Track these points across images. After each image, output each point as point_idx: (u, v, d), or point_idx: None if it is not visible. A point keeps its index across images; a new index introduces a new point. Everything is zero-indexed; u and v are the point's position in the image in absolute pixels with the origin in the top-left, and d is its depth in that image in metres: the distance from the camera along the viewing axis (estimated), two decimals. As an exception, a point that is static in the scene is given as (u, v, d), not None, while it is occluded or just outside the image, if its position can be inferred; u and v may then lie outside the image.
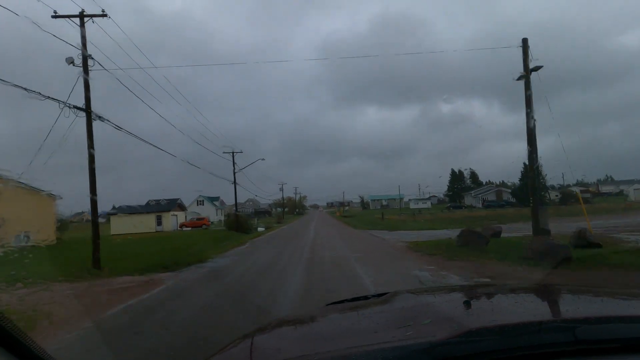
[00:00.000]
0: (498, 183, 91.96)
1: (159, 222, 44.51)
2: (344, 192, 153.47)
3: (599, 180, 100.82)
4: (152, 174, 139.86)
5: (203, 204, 69.53)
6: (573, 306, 1.62)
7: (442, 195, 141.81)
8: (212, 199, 72.96)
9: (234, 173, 36.89)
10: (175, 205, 48.82)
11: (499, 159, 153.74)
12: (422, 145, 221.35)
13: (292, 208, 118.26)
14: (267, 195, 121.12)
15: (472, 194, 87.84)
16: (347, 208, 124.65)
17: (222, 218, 74.07)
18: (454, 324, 1.26)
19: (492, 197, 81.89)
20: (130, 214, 43.00)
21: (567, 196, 67.90)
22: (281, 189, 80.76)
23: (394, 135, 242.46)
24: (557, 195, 71.53)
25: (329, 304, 2.23)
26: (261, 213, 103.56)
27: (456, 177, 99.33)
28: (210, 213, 68.43)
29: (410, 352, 1.10)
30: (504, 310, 1.63)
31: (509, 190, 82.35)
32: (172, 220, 46.14)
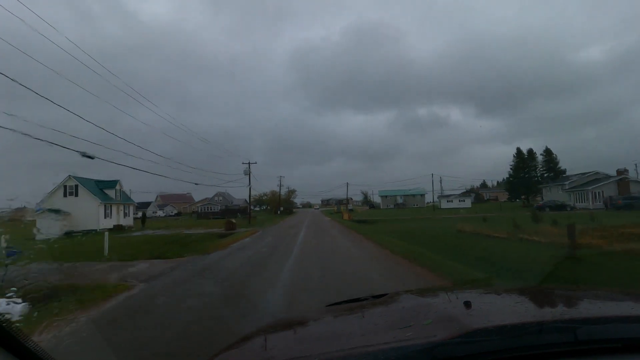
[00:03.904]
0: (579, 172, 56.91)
1: None
2: (347, 184, 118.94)
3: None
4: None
5: (76, 194, 34.00)
6: (573, 306, 1.61)
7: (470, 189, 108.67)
8: (102, 184, 37.42)
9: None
10: None
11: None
12: (432, 140, 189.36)
13: (275, 206, 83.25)
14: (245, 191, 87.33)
15: (566, 186, 53.51)
16: (350, 207, 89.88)
17: (123, 220, 38.45)
18: (454, 324, 1.23)
19: (609, 191, 47.62)
20: None
21: None
22: (246, 172, 44.96)
23: (397, 133, 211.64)
24: None
25: (328, 305, 2.16)
26: (232, 211, 73.00)
27: (525, 161, 64.97)
28: (90, 211, 33.24)
29: (411, 352, 1.08)
30: (505, 310, 1.60)
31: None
32: None
